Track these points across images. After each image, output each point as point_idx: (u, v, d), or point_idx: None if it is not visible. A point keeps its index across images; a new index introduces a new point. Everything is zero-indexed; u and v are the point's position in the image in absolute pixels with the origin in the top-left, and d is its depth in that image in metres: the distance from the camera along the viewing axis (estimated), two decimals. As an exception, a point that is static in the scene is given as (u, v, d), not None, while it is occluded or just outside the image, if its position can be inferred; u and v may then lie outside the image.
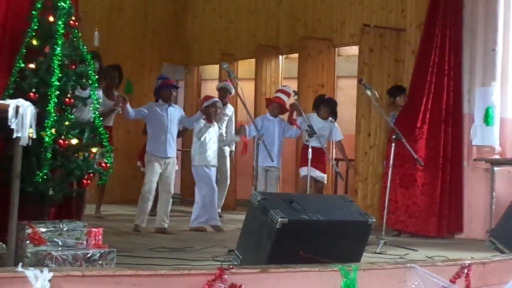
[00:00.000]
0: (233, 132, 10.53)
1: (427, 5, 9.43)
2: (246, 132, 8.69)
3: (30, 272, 3.86)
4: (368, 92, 8.02)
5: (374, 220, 5.36)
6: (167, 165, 8.57)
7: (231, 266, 4.50)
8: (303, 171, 9.04)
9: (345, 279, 4.75)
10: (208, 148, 8.84)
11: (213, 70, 13.20)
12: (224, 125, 10.33)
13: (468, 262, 5.36)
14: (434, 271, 5.14)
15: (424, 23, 9.42)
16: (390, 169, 7.89)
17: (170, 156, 8.59)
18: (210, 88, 12.79)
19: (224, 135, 9.79)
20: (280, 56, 12.12)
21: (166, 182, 8.59)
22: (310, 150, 7.70)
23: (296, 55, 11.52)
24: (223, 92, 10.46)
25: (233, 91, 10.44)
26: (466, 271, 5.28)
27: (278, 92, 9.24)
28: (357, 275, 4.78)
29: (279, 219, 4.89)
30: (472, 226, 9.05)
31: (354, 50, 11.65)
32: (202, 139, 8.77)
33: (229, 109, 10.61)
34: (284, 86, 9.60)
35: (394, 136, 7.79)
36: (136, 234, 8.16)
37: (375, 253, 6.98)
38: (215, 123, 9.03)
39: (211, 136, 8.89)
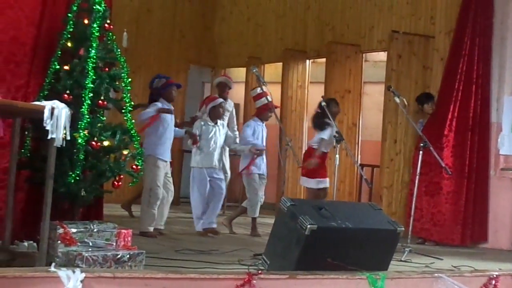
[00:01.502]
0: (235, 128, 10.49)
1: (457, 12, 9.41)
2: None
3: (63, 273, 3.91)
4: (397, 99, 8.01)
5: (403, 228, 5.36)
6: (167, 168, 8.35)
7: (259, 271, 4.52)
8: (322, 182, 8.99)
9: (373, 287, 4.76)
10: (208, 149, 8.68)
11: (239, 73, 13.22)
12: (226, 121, 10.26)
13: (496, 273, 5.34)
14: (462, 281, 5.13)
15: (454, 31, 9.40)
16: (417, 177, 7.87)
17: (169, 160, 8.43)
18: (235, 91, 12.84)
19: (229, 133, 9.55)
20: (307, 61, 12.13)
21: (169, 182, 8.39)
22: (337, 156, 7.66)
23: (323, 59, 11.53)
24: (222, 87, 10.16)
25: (232, 86, 10.34)
26: (494, 282, 5.26)
27: (258, 98, 8.99)
28: (384, 284, 4.79)
29: (308, 226, 4.90)
30: (497, 236, 9.00)
31: (381, 55, 11.63)
32: (203, 140, 8.65)
33: (229, 105, 10.39)
34: (252, 90, 9.46)
35: (422, 144, 7.78)
36: (161, 236, 8.16)
37: (401, 261, 6.96)
38: (219, 124, 8.89)
39: (214, 137, 8.74)
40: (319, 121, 8.88)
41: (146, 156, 8.01)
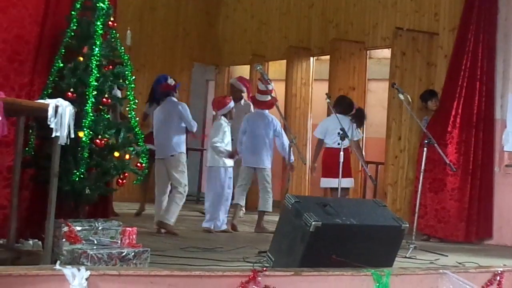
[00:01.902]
0: None
1: (461, 9, 9.37)
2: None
3: (68, 271, 3.93)
4: (401, 96, 8.00)
5: (408, 225, 5.37)
6: None
7: (264, 268, 4.53)
8: (325, 182, 9.08)
9: (378, 284, 4.77)
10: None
11: (243, 70, 13.21)
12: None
13: (501, 269, 5.34)
14: (466, 277, 5.14)
15: (458, 27, 9.37)
16: (422, 174, 7.86)
17: None
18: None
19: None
20: (311, 58, 12.11)
21: None
22: (342, 153, 7.68)
23: (327, 57, 11.50)
24: (233, 90, 10.28)
25: (243, 89, 10.32)
26: (498, 278, 5.27)
27: (267, 93, 8.93)
28: (389, 280, 4.80)
29: (313, 223, 4.92)
30: (502, 233, 8.98)
31: (385, 52, 11.62)
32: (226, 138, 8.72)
33: (246, 107, 10.37)
34: (262, 84, 9.44)
35: (426, 141, 7.76)
36: (166, 234, 8.16)
37: (405, 257, 6.95)
38: (229, 123, 8.96)
39: (227, 137, 8.81)
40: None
41: (180, 153, 8.38)
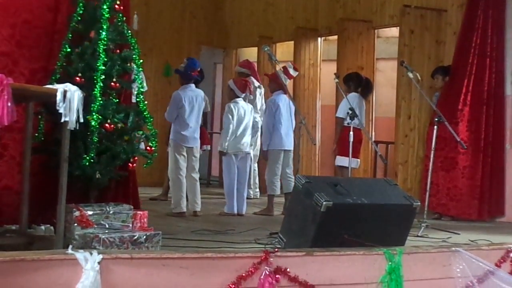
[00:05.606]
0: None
1: (469, -15, 9.30)
2: None
3: (80, 255, 3.95)
4: (410, 74, 7.95)
5: (419, 203, 5.35)
6: None
7: (276, 249, 4.53)
8: (343, 161, 8.99)
9: (390, 263, 4.76)
10: (237, 133, 8.67)
11: (251, 52, 13.18)
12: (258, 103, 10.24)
13: (514, 246, 5.33)
14: (479, 255, 5.12)
15: (466, 4, 9.28)
16: (432, 152, 7.82)
17: None
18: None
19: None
20: (319, 38, 12.05)
21: None
22: (351, 133, 7.66)
23: (335, 37, 11.44)
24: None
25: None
26: (511, 255, 5.25)
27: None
28: (401, 259, 4.79)
29: (324, 203, 4.90)
30: (514, 210, 8.96)
31: (393, 31, 11.55)
32: (231, 123, 8.63)
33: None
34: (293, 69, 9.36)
35: (436, 119, 7.71)
36: (178, 217, 8.20)
37: (417, 236, 6.94)
38: (250, 107, 8.93)
39: (243, 120, 8.73)
40: None
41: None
